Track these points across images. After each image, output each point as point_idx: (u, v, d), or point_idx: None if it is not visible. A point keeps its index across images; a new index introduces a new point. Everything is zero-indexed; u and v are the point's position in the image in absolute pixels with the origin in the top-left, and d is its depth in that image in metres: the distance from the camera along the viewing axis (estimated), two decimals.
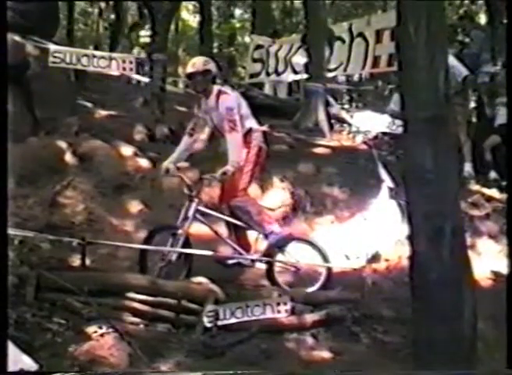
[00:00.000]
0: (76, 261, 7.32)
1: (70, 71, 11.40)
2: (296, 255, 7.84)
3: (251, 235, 7.93)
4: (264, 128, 8.09)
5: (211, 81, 7.82)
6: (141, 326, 6.45)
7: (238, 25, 28.25)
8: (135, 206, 9.02)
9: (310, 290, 7.66)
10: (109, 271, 7.30)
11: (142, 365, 5.70)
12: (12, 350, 5.28)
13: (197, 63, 7.87)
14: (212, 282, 7.09)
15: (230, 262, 7.78)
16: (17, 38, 10.86)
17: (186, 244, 7.50)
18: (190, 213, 7.49)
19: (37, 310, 6.14)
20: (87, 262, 7.30)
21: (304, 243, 8.00)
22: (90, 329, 6.06)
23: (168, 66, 15.17)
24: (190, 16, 29.59)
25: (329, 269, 7.82)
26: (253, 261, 7.76)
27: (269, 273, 7.72)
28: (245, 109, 7.86)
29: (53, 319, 6.16)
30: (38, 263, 6.43)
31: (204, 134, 7.97)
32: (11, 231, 6.74)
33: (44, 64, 9.84)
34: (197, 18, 25.99)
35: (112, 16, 24.65)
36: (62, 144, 9.78)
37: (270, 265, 7.71)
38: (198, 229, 7.84)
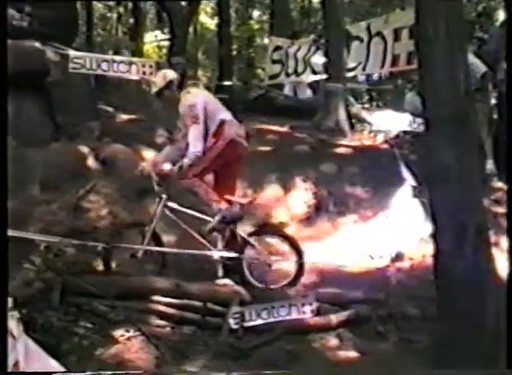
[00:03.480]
0: (100, 265, 7.38)
1: (90, 76, 11.43)
2: (268, 248, 7.90)
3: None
4: (238, 125, 7.97)
5: (177, 88, 7.95)
6: (167, 328, 6.48)
7: (256, 27, 28.15)
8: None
9: (281, 284, 7.71)
10: (134, 275, 7.33)
11: (169, 367, 5.73)
12: (40, 355, 5.33)
13: (157, 81, 7.98)
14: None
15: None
16: (37, 45, 10.92)
17: (157, 240, 7.66)
18: (158, 210, 7.64)
19: (63, 315, 6.17)
20: (112, 265, 7.37)
21: (277, 236, 8.03)
22: (117, 332, 6.11)
23: (187, 70, 15.18)
24: (208, 19, 29.58)
25: (300, 264, 7.79)
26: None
27: (239, 269, 7.71)
28: (214, 105, 7.90)
29: (79, 323, 6.20)
30: (63, 268, 6.48)
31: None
32: (36, 237, 6.80)
33: (64, 70, 9.91)
34: (216, 20, 26.02)
35: (131, 21, 24.71)
36: (84, 149, 9.82)
37: (239, 260, 7.68)
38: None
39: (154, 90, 7.93)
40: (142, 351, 5.90)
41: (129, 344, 5.98)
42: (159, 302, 6.64)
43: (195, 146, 7.55)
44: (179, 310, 6.63)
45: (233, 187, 7.94)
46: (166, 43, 21.85)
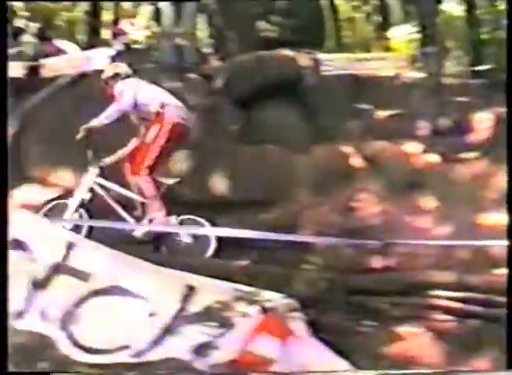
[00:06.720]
0: (377, 263, 7.36)
1: (344, 77, 11.49)
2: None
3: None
4: (181, 107, 8.14)
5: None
6: (452, 322, 6.33)
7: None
8: (429, 203, 8.85)
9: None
10: (411, 270, 7.23)
11: (459, 362, 5.59)
12: (327, 354, 5.37)
13: (106, 70, 8.38)
14: None
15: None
16: (288, 52, 11.20)
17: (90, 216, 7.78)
18: (86, 184, 7.79)
19: (345, 313, 6.21)
20: (388, 262, 7.33)
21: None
22: (401, 329, 6.07)
23: (440, 58, 14.89)
24: (453, 5, 29.00)
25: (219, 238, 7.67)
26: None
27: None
28: (150, 91, 8.08)
29: (362, 321, 6.21)
30: (343, 268, 6.54)
31: None
32: (313, 239, 6.92)
33: (317, 73, 10.07)
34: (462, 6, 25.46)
35: (378, 18, 24.68)
36: (347, 149, 9.88)
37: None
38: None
39: (102, 76, 8.28)
40: (429, 347, 5.81)
41: (415, 340, 5.92)
42: (440, 297, 6.52)
43: (105, 118, 7.71)
44: (461, 303, 6.46)
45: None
46: (416, 35, 21.65)
